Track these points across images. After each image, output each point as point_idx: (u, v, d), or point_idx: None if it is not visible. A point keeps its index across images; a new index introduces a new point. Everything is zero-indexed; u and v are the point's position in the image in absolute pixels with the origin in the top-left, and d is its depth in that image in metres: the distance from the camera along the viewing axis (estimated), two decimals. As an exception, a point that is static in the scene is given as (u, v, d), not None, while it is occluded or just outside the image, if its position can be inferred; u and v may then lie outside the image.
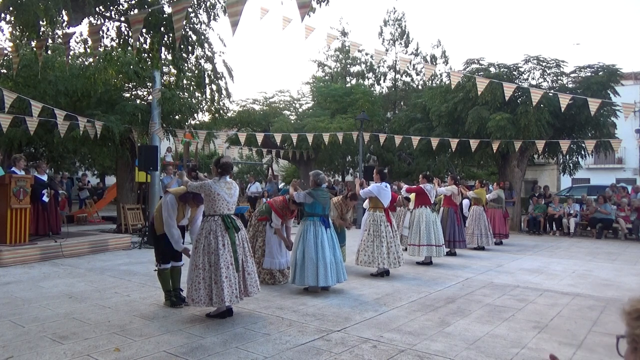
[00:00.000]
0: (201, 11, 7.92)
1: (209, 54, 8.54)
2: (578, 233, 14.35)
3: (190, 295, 4.74)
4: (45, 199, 9.40)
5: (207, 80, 9.59)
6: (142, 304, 5.45)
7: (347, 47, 25.05)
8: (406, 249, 8.72)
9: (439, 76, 23.19)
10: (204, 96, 11.30)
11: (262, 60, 77.44)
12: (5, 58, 8.91)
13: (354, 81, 25.98)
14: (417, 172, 20.11)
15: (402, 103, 25.72)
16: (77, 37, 8.58)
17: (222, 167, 4.97)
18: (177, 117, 13.17)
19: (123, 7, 7.56)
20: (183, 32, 7.24)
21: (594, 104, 10.07)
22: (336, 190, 16.63)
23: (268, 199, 9.73)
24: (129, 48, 7.67)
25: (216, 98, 11.14)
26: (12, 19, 6.21)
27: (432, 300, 5.84)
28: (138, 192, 14.26)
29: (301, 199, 6.18)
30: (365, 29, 59.08)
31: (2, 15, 6.17)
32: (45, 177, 9.92)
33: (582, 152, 15.58)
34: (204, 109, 13.22)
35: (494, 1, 76.90)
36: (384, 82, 26.55)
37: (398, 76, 26.10)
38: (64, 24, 6.99)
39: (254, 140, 16.85)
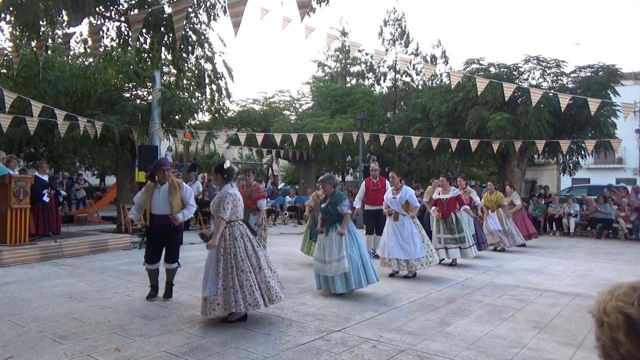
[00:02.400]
0: (201, 11, 7.93)
1: (209, 54, 8.55)
2: (578, 233, 14.34)
3: (244, 301, 4.52)
4: (46, 199, 9.40)
5: (207, 80, 9.60)
6: (142, 304, 5.45)
7: (347, 47, 25.04)
8: None
9: (439, 76, 23.19)
10: (204, 96, 11.30)
11: (262, 60, 77.47)
12: (5, 58, 8.90)
13: (354, 81, 25.97)
14: (417, 172, 20.12)
15: (402, 103, 25.71)
16: (77, 37, 8.61)
17: (227, 173, 4.92)
18: (177, 117, 13.16)
19: (123, 7, 7.56)
20: (183, 32, 7.24)
21: (593, 104, 10.07)
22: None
23: None
24: (129, 48, 7.67)
25: (216, 98, 11.14)
26: (12, 19, 6.22)
27: (432, 300, 5.84)
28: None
29: (347, 206, 6.12)
30: (365, 29, 59.09)
31: (2, 15, 6.17)
32: (46, 177, 9.93)
33: (582, 152, 15.58)
34: (204, 109, 13.22)
35: (494, 1, 76.94)
36: (384, 82, 26.57)
37: (398, 76, 26.09)
38: (64, 24, 7.00)
39: (254, 140, 16.85)
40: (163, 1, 6.91)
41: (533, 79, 15.39)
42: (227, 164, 5.02)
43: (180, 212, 5.54)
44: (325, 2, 7.48)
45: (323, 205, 6.14)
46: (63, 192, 13.99)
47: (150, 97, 12.33)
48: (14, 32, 6.82)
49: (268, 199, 14.89)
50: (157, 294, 5.71)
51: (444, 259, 8.44)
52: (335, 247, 5.84)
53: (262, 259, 4.79)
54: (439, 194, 8.68)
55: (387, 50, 25.31)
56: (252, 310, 4.68)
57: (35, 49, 7.78)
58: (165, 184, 5.59)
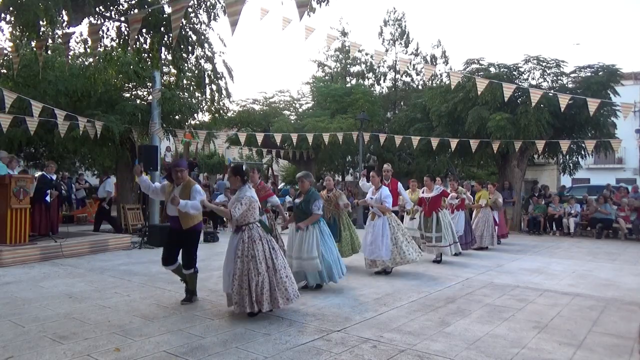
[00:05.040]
0: (201, 11, 7.92)
1: (209, 54, 8.53)
2: (578, 233, 14.33)
3: (253, 303, 4.74)
4: (48, 198, 9.41)
5: (207, 80, 9.58)
6: (142, 304, 5.45)
7: (347, 47, 25.04)
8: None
9: (439, 76, 23.17)
10: (204, 96, 11.28)
11: (262, 60, 77.46)
12: (5, 58, 8.89)
13: (354, 81, 25.96)
14: (417, 172, 20.10)
15: (402, 103, 25.70)
16: (77, 37, 8.58)
17: (247, 175, 5.20)
18: (177, 117, 13.16)
19: (123, 7, 7.55)
20: (183, 32, 7.23)
21: (593, 104, 10.06)
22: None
23: None
24: (129, 48, 7.66)
25: (216, 98, 11.12)
26: (12, 19, 6.20)
27: (432, 300, 5.84)
28: (138, 192, 14.25)
29: (319, 207, 6.22)
30: (365, 29, 59.07)
31: (2, 15, 6.16)
32: (54, 177, 10.00)
33: (582, 152, 15.57)
34: (204, 109, 13.21)
35: (494, 1, 76.93)
36: (384, 82, 26.56)
37: (398, 76, 26.09)
38: (64, 24, 6.98)
39: (254, 140, 16.85)
40: (163, 1, 6.90)
41: (533, 79, 15.38)
42: (244, 167, 5.32)
43: (185, 201, 5.11)
44: (325, 2, 7.47)
45: (297, 201, 6.30)
46: (65, 192, 13.97)
47: (150, 97, 12.33)
48: (14, 32, 6.79)
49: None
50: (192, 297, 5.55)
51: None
52: (308, 245, 6.00)
53: (279, 261, 4.94)
54: (423, 192, 8.88)
55: (387, 50, 25.32)
56: (262, 309, 4.77)
57: (35, 49, 7.77)
58: (180, 185, 5.43)
